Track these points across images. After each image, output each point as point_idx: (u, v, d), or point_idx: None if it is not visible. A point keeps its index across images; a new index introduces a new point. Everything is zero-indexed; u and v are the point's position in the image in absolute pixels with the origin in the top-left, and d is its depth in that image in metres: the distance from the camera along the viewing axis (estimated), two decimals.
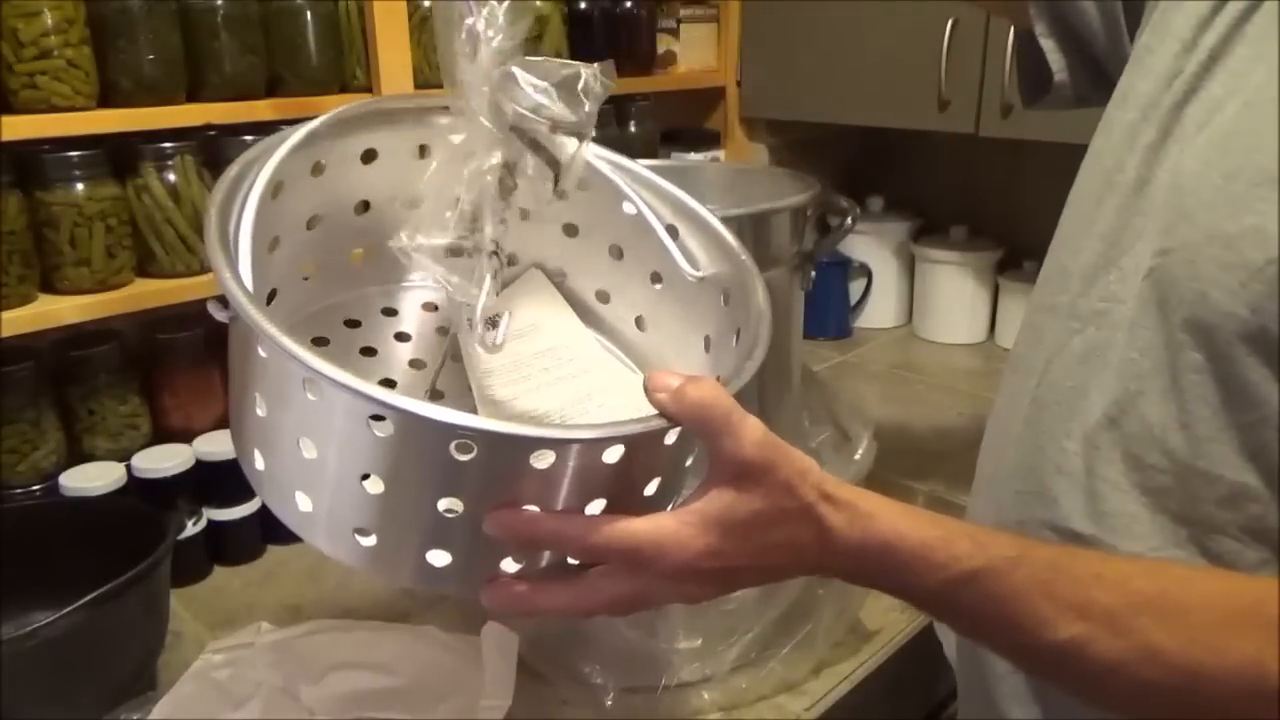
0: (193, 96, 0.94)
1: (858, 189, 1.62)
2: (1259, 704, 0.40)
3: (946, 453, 1.15)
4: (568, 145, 0.51)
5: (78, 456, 0.94)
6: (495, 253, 0.52)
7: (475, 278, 0.52)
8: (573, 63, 0.50)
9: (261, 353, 0.46)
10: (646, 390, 0.45)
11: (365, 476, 0.45)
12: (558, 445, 0.43)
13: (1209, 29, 0.50)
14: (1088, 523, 0.52)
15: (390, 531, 0.47)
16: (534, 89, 0.49)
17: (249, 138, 0.96)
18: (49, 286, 0.89)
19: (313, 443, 0.46)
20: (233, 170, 0.52)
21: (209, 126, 0.94)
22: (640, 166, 0.65)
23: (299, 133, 0.55)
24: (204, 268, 0.95)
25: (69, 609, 0.65)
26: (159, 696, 0.72)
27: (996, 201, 1.58)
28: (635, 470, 0.47)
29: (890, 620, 0.86)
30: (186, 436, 0.95)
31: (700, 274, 0.61)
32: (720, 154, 1.51)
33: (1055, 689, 0.47)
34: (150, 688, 0.75)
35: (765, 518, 0.45)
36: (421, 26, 1.06)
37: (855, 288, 1.60)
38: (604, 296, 0.68)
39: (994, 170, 1.58)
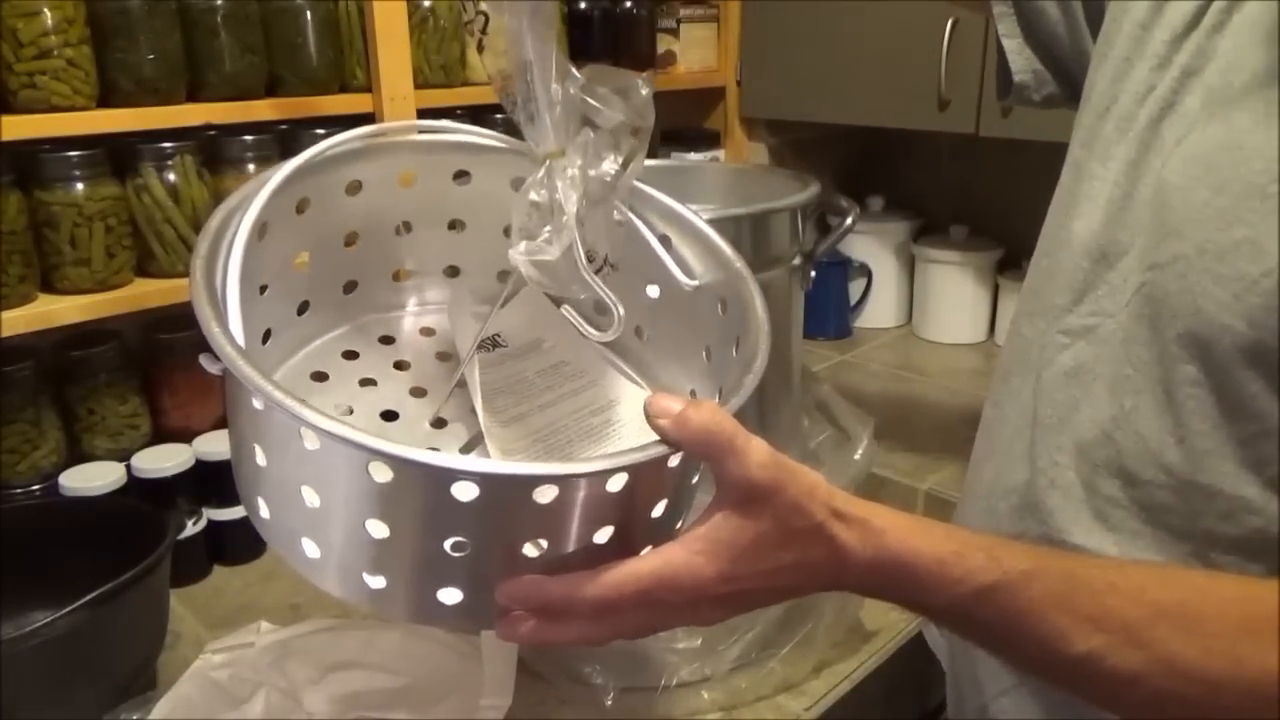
0: (192, 96, 0.94)
1: (858, 189, 1.62)
2: (1278, 711, 0.40)
3: (946, 453, 1.15)
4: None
5: (78, 456, 0.94)
6: (605, 264, 0.55)
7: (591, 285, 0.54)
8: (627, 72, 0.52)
9: (256, 405, 0.46)
10: (648, 416, 0.45)
11: (369, 521, 0.45)
12: (560, 481, 0.43)
13: (1183, 44, 0.50)
14: (1087, 537, 0.51)
15: (398, 573, 0.47)
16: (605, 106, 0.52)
17: (249, 138, 0.96)
18: (49, 286, 0.89)
19: (314, 490, 0.46)
20: (214, 220, 0.52)
21: (209, 126, 0.94)
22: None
23: (280, 173, 0.55)
24: None
25: (69, 609, 0.65)
26: (159, 696, 0.72)
27: (996, 201, 1.58)
28: (640, 495, 0.46)
29: (890, 620, 0.86)
30: (186, 436, 0.95)
31: (695, 283, 0.61)
32: (720, 154, 1.51)
33: (1071, 698, 0.47)
34: (150, 688, 0.75)
35: (775, 539, 0.44)
36: (421, 26, 1.06)
37: (855, 288, 1.60)
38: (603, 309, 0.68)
39: (994, 170, 1.58)
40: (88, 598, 0.65)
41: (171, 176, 0.93)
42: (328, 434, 0.41)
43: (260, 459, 0.47)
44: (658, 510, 0.48)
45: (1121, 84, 0.53)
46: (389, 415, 0.63)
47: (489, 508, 0.43)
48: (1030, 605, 0.43)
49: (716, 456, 0.44)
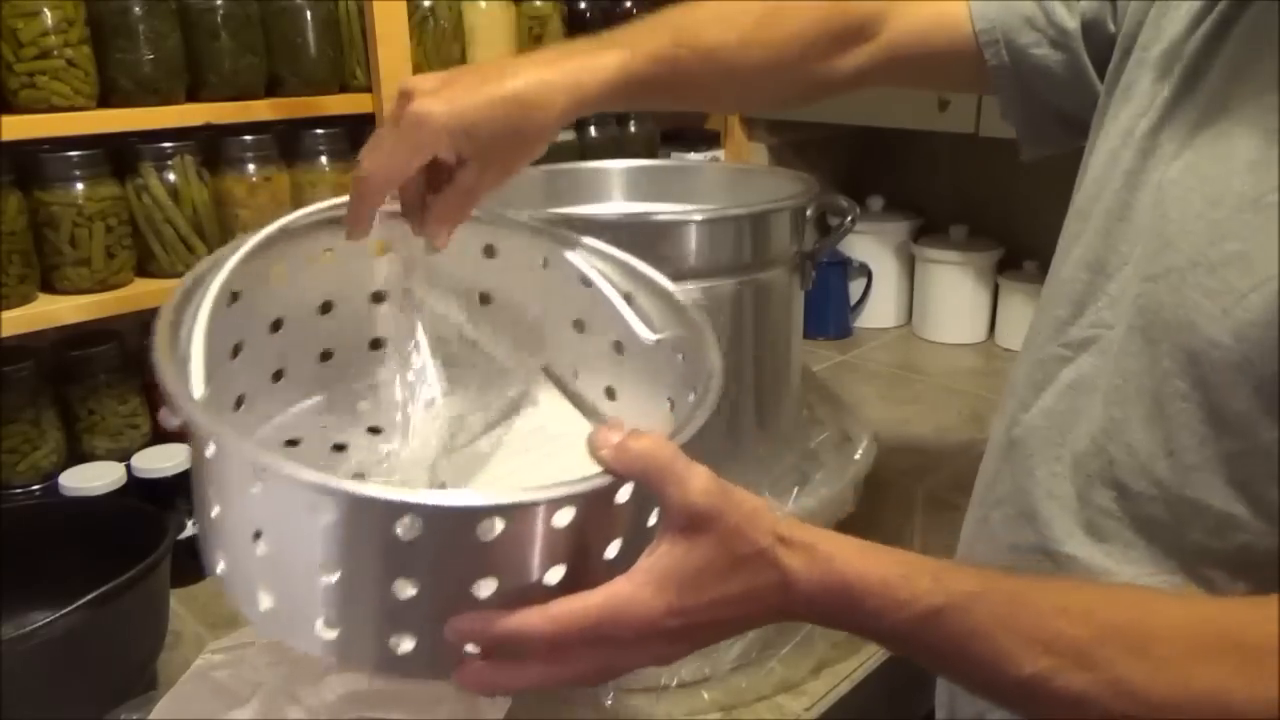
0: (192, 96, 0.94)
1: (858, 189, 1.62)
2: None
3: (946, 453, 1.15)
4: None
5: (77, 456, 0.94)
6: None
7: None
8: None
9: (207, 453, 0.46)
10: (590, 450, 0.44)
11: (321, 566, 0.44)
12: (502, 512, 0.42)
13: (1182, 50, 0.50)
14: (1081, 548, 0.51)
15: (351, 621, 0.46)
16: None
17: (249, 138, 0.96)
18: (49, 286, 0.89)
19: (265, 536, 0.45)
20: (186, 281, 0.53)
21: (209, 126, 0.94)
22: (591, 240, 0.66)
23: (250, 242, 0.56)
24: None
25: (69, 609, 0.65)
26: (159, 696, 0.72)
27: (996, 201, 1.58)
28: (590, 532, 0.45)
29: None
30: (186, 437, 0.95)
31: (656, 337, 0.61)
32: (720, 154, 1.51)
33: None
34: (150, 688, 0.75)
35: (720, 567, 0.44)
36: (421, 26, 1.06)
37: (855, 288, 1.60)
38: (575, 372, 0.68)
39: (994, 170, 1.58)
40: (87, 598, 0.65)
41: (171, 176, 0.93)
42: (262, 468, 0.42)
43: (214, 509, 0.47)
44: (611, 552, 0.47)
45: (1129, 101, 0.54)
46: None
47: (434, 545, 0.42)
48: (976, 628, 0.43)
49: (657, 482, 0.43)
